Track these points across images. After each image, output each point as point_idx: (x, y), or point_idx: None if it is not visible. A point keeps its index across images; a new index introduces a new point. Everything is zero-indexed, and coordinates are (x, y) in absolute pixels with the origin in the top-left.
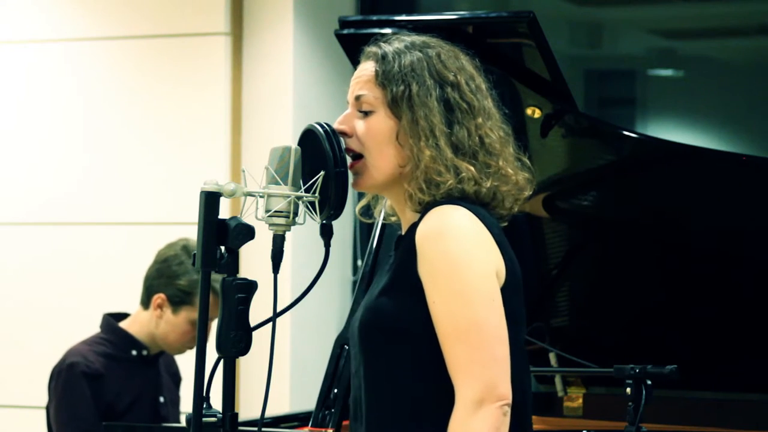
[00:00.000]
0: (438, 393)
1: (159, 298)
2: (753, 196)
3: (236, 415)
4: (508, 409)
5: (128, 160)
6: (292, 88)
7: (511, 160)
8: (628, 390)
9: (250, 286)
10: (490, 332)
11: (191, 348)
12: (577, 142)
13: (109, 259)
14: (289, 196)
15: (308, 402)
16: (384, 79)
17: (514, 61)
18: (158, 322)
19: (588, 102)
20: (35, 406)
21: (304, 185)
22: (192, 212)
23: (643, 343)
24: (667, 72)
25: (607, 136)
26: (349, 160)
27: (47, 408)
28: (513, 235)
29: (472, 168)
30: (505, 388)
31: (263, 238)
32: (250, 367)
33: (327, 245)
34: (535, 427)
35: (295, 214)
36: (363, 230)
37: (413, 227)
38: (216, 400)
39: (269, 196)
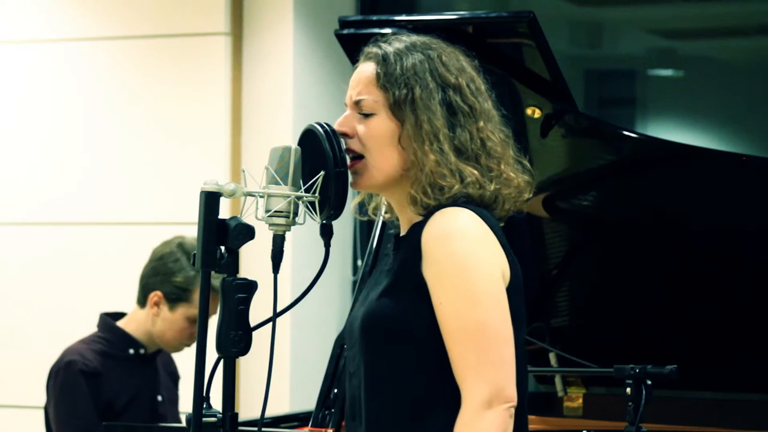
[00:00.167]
0: (439, 393)
1: (155, 295)
2: (753, 196)
3: (236, 415)
4: (513, 411)
5: (128, 160)
6: (292, 88)
7: (512, 163)
8: (628, 390)
9: (250, 286)
10: (498, 334)
11: (189, 345)
12: (577, 142)
13: (109, 259)
14: (289, 196)
15: (308, 402)
16: (386, 81)
17: (514, 61)
18: (155, 320)
19: (588, 102)
20: (35, 406)
21: (304, 185)
22: (192, 212)
23: (643, 343)
24: (667, 72)
25: (607, 136)
26: (348, 160)
27: (46, 408)
28: (513, 235)
29: (475, 172)
30: (511, 390)
31: (263, 238)
32: (250, 367)
33: (327, 245)
34: (535, 427)
35: (295, 214)
36: (363, 230)
37: (416, 228)
38: (216, 400)
39: (269, 196)
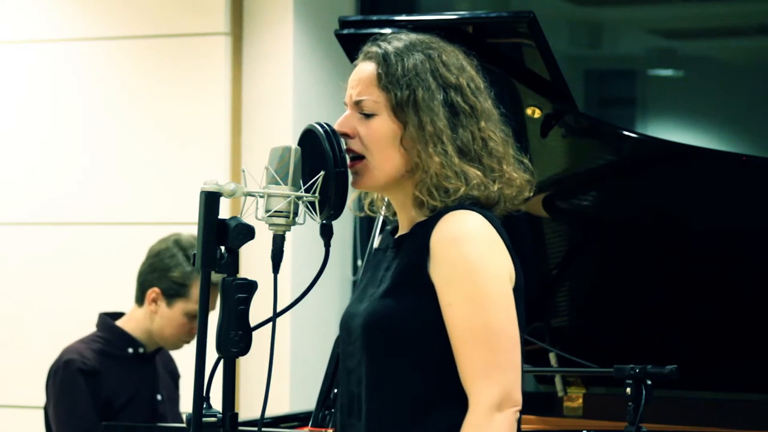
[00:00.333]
0: (440, 394)
1: (153, 292)
2: (753, 196)
3: (236, 415)
4: (518, 415)
5: (128, 160)
6: (292, 88)
7: (513, 162)
8: (628, 390)
9: (250, 286)
10: (508, 337)
11: (188, 342)
12: (577, 142)
13: (109, 259)
14: (289, 196)
15: (308, 402)
16: (387, 82)
17: (514, 61)
18: (153, 317)
19: (588, 102)
20: (35, 406)
21: (304, 185)
22: (192, 212)
23: (643, 343)
24: (667, 72)
25: (607, 136)
26: (348, 160)
27: (45, 408)
28: (513, 235)
29: (479, 173)
30: (518, 394)
31: (263, 238)
32: (250, 367)
33: (327, 245)
34: (535, 427)
35: (295, 214)
36: (363, 230)
37: (420, 227)
38: (216, 400)
39: (269, 196)
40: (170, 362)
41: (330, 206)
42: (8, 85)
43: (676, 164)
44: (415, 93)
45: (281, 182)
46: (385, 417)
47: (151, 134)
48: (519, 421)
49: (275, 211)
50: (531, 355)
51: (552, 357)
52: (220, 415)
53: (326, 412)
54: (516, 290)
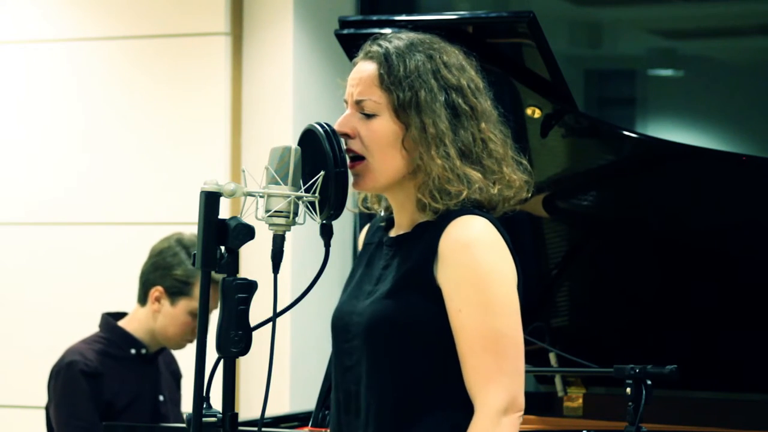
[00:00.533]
0: (443, 394)
1: (156, 290)
2: (753, 196)
3: (236, 415)
4: (521, 419)
5: (128, 160)
6: (292, 88)
7: (512, 164)
8: (628, 390)
9: (250, 286)
10: (516, 343)
11: (191, 341)
12: (577, 142)
13: (109, 259)
14: (289, 196)
15: (308, 402)
16: (390, 83)
17: (514, 61)
18: (156, 316)
19: (588, 102)
20: (35, 406)
21: (304, 185)
22: (192, 212)
23: (643, 343)
24: (667, 72)
25: (607, 136)
26: (348, 160)
27: (47, 408)
28: (513, 235)
29: (480, 175)
30: (522, 399)
31: (263, 238)
32: (250, 367)
33: (327, 245)
34: (535, 427)
35: (295, 214)
36: None
37: (423, 228)
38: (216, 400)
39: (269, 196)
40: (172, 362)
41: (330, 206)
42: (8, 85)
43: (676, 164)
44: (417, 94)
45: (281, 182)
46: (386, 416)
47: (151, 134)
48: None
49: (275, 211)
50: (531, 355)
51: (552, 357)
52: (220, 415)
53: (326, 412)
54: (518, 294)
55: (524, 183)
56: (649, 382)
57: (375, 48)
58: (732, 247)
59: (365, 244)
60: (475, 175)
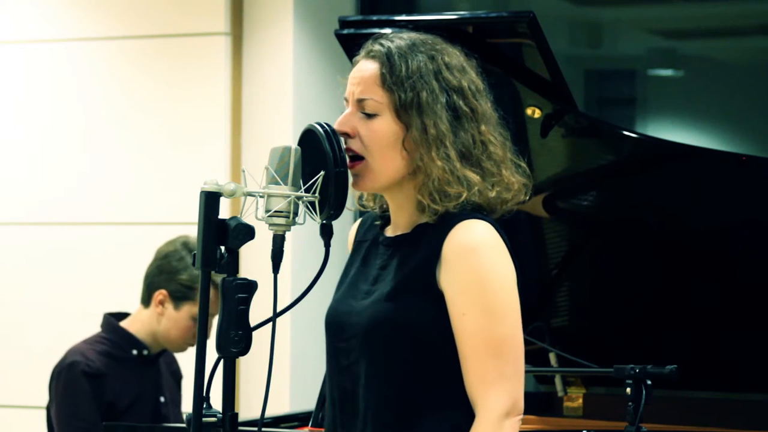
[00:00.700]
0: (442, 396)
1: (160, 294)
2: (753, 196)
3: (236, 415)
4: (521, 422)
5: (128, 160)
6: (292, 88)
7: (511, 166)
8: (628, 390)
9: (250, 286)
10: (518, 348)
11: (193, 345)
12: (577, 142)
13: (109, 259)
14: (289, 196)
15: (308, 402)
16: (392, 83)
17: (514, 61)
18: (160, 318)
19: (588, 102)
20: (35, 406)
21: (304, 185)
22: (192, 212)
23: (643, 343)
24: (667, 72)
25: (607, 136)
26: (347, 160)
27: (48, 408)
28: (513, 235)
29: (479, 178)
30: (522, 402)
31: (263, 238)
32: (250, 367)
33: (327, 245)
34: (535, 427)
35: (295, 214)
36: None
37: (423, 230)
38: (216, 400)
39: (269, 196)
40: (173, 363)
41: (330, 206)
42: (8, 85)
43: (676, 164)
44: (419, 95)
45: (281, 182)
46: (385, 418)
47: (151, 134)
48: None
49: (275, 211)
50: (531, 355)
51: (552, 357)
52: (220, 415)
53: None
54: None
55: (522, 186)
56: (649, 382)
57: (377, 47)
58: (732, 247)
59: (358, 242)
60: (475, 177)
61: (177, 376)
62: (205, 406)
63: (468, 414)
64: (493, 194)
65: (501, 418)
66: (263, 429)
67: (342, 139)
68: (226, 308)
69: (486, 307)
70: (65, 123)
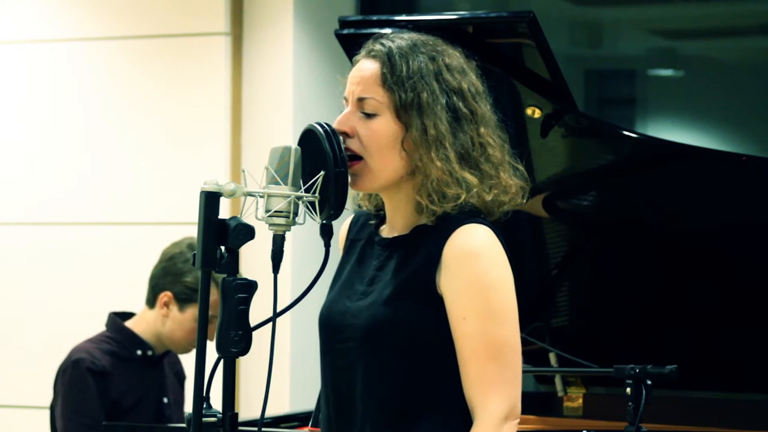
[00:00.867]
0: (439, 399)
1: (165, 296)
2: (753, 196)
3: (236, 415)
4: (517, 426)
5: (128, 160)
6: (292, 88)
7: (509, 169)
8: (628, 390)
9: (250, 286)
10: (517, 351)
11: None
12: (577, 142)
13: (109, 259)
14: (289, 196)
15: (308, 402)
16: (392, 83)
17: (514, 61)
18: (164, 320)
19: (588, 102)
20: (35, 406)
21: (304, 185)
22: (192, 212)
23: (643, 343)
24: (667, 72)
25: (607, 136)
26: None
27: (51, 407)
28: (513, 234)
29: (477, 180)
30: (520, 405)
31: (263, 238)
32: (250, 367)
33: (327, 245)
34: (535, 427)
35: (295, 214)
36: None
37: (422, 232)
38: (216, 400)
39: (269, 196)
40: (177, 363)
41: (330, 206)
42: (8, 85)
43: (676, 164)
44: (419, 96)
45: (281, 182)
46: (383, 419)
47: (151, 134)
48: None
49: (275, 211)
50: (531, 355)
51: (552, 357)
52: (220, 415)
53: None
54: None
55: (520, 189)
56: (649, 382)
57: (378, 47)
58: (732, 247)
59: (352, 240)
60: (473, 179)
61: (180, 376)
62: (205, 406)
63: (465, 417)
64: (490, 197)
65: (500, 421)
66: (263, 429)
67: (342, 139)
68: (226, 308)
69: (486, 311)
70: (65, 123)
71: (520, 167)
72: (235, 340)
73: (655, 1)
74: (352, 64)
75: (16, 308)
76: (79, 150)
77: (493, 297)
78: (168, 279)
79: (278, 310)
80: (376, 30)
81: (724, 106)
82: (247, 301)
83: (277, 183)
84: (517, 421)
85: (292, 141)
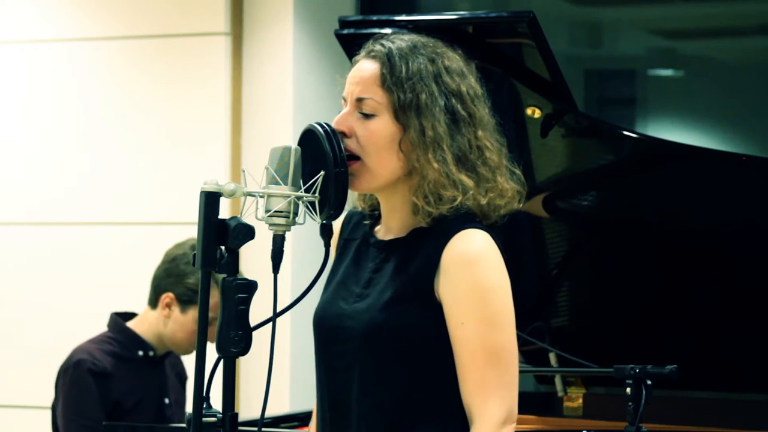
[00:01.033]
0: (436, 403)
1: (167, 297)
2: (753, 196)
3: (236, 415)
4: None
5: (128, 160)
6: (292, 88)
7: (506, 173)
8: (628, 390)
9: (250, 286)
10: (514, 355)
11: None
12: (577, 142)
13: (109, 259)
14: (289, 196)
15: (308, 402)
16: (392, 83)
17: (514, 61)
18: (166, 321)
19: (588, 102)
20: (35, 406)
21: (304, 185)
22: (192, 212)
23: (643, 343)
24: (667, 72)
25: (607, 136)
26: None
27: (53, 407)
28: (513, 234)
29: (473, 183)
30: (516, 409)
31: (263, 238)
32: (250, 367)
33: (327, 245)
34: (535, 427)
35: (295, 214)
36: None
37: (419, 235)
38: (216, 400)
39: (269, 196)
40: (178, 364)
41: (330, 206)
42: (8, 85)
43: (676, 164)
44: (418, 97)
45: (281, 182)
46: (380, 423)
47: (151, 134)
48: None
49: (275, 211)
50: (531, 355)
51: (552, 357)
52: (220, 415)
53: None
54: None
55: (516, 193)
56: (649, 382)
57: (377, 47)
58: (732, 247)
59: (346, 240)
60: (470, 182)
61: (182, 377)
62: (205, 406)
63: (462, 422)
64: (486, 200)
65: (498, 425)
66: (263, 429)
67: (341, 139)
68: (226, 308)
69: (485, 316)
70: (65, 123)
71: (517, 171)
72: (235, 340)
73: (655, 1)
74: (352, 64)
75: (17, 308)
76: (79, 150)
77: (492, 302)
78: (170, 280)
79: (278, 310)
80: (376, 30)
81: (724, 106)
82: (247, 301)
83: (277, 183)
84: (515, 424)
85: (292, 141)
